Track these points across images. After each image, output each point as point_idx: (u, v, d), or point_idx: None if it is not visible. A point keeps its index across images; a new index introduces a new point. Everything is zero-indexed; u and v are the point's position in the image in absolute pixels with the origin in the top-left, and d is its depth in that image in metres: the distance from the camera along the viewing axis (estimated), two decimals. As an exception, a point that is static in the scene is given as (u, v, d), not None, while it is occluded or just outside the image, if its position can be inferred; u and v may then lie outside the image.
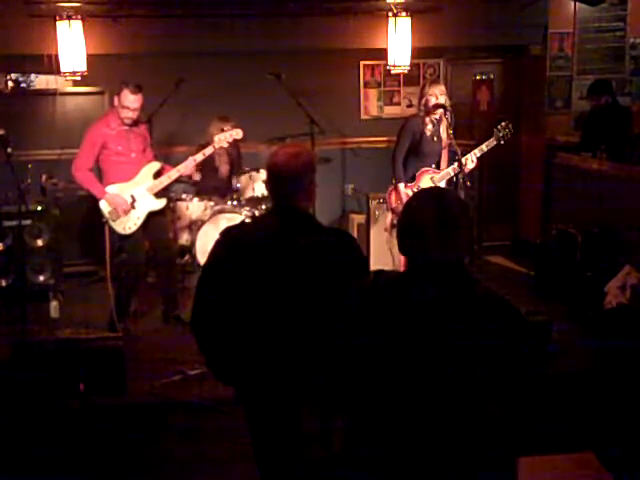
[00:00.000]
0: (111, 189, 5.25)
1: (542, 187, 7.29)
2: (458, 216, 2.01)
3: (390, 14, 7.11)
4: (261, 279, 2.48)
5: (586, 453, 3.03)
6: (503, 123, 5.37)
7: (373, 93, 7.89)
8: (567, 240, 5.97)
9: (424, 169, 5.37)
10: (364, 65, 7.82)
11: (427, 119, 5.31)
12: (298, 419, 2.55)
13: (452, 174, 5.31)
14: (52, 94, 7.14)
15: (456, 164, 5.22)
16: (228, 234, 2.62)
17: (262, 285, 2.48)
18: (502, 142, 5.36)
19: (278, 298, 2.47)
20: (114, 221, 5.27)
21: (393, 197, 5.48)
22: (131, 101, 5.16)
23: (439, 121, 5.32)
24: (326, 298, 2.42)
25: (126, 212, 5.25)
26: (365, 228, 6.80)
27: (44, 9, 6.63)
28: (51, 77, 7.03)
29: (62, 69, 6.55)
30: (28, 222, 5.95)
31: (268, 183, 2.63)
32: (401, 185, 5.36)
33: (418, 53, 7.39)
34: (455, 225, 2.00)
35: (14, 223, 5.69)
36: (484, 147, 5.32)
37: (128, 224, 5.29)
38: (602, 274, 5.43)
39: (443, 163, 5.41)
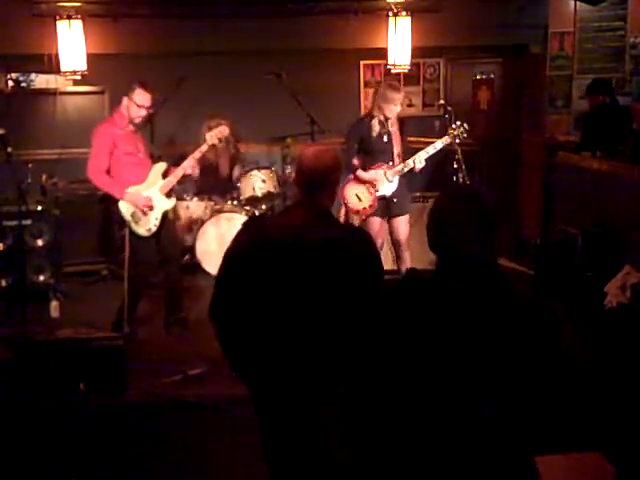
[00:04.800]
0: (128, 190, 5.23)
1: (542, 187, 7.28)
2: (494, 216, 2.02)
3: (390, 14, 7.11)
4: (281, 272, 2.51)
5: (590, 453, 3.03)
6: (458, 122, 5.50)
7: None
8: (567, 240, 5.97)
9: (376, 164, 5.52)
10: (364, 65, 7.83)
11: (374, 120, 5.47)
12: (316, 419, 2.56)
13: (405, 170, 5.48)
14: (52, 94, 7.15)
15: (410, 160, 5.44)
16: (251, 225, 2.69)
17: (282, 278, 2.51)
18: (458, 141, 5.48)
19: (297, 291, 2.50)
20: (137, 223, 5.26)
21: (346, 191, 5.58)
22: (147, 99, 5.18)
23: (386, 121, 5.47)
24: (344, 293, 2.44)
25: (149, 209, 5.24)
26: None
27: (44, 9, 6.63)
28: (51, 77, 7.03)
29: (62, 68, 6.56)
30: (28, 222, 5.95)
31: (297, 178, 2.71)
32: (359, 171, 5.50)
33: (418, 53, 7.40)
34: (492, 226, 2.01)
35: (14, 223, 5.69)
36: (436, 145, 5.44)
37: (148, 225, 5.28)
38: (602, 274, 5.42)
39: (397, 159, 5.54)
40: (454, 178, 5.42)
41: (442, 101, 5.71)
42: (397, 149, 5.55)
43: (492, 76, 8.14)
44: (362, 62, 7.80)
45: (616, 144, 6.14)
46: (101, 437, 3.96)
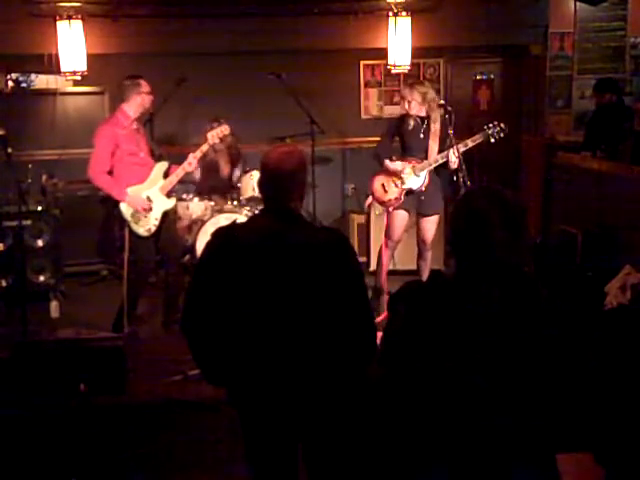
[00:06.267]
0: (128, 191, 5.25)
1: (542, 187, 7.29)
2: (521, 216, 1.99)
3: (390, 14, 7.11)
4: (253, 279, 2.48)
5: (586, 454, 3.02)
6: (496, 122, 5.46)
7: (373, 93, 7.89)
8: (567, 240, 5.97)
9: (407, 159, 5.54)
10: (364, 65, 7.82)
11: (409, 116, 5.50)
12: (298, 423, 2.55)
13: (433, 165, 5.47)
14: (52, 94, 7.13)
15: (438, 156, 5.43)
16: (219, 235, 2.62)
17: (254, 286, 2.48)
18: (492, 140, 5.43)
19: (270, 298, 2.47)
20: (137, 223, 5.27)
21: (375, 182, 5.62)
22: (147, 84, 5.27)
23: (426, 118, 5.48)
24: (325, 295, 2.43)
25: (147, 212, 5.25)
26: (365, 228, 6.81)
27: (44, 9, 6.63)
28: (51, 77, 7.02)
29: (62, 69, 6.55)
30: (28, 222, 5.95)
31: (261, 183, 2.65)
32: (386, 161, 5.52)
33: (418, 53, 7.39)
34: (520, 226, 1.98)
35: (14, 223, 5.69)
36: (469, 142, 5.40)
37: (148, 226, 5.29)
38: (602, 274, 5.42)
39: (431, 158, 5.52)
40: (454, 178, 5.41)
41: (442, 101, 5.70)
42: (433, 146, 5.51)
43: (492, 76, 8.14)
44: (362, 62, 7.79)
45: (619, 144, 6.14)
46: (101, 437, 3.96)
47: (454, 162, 5.30)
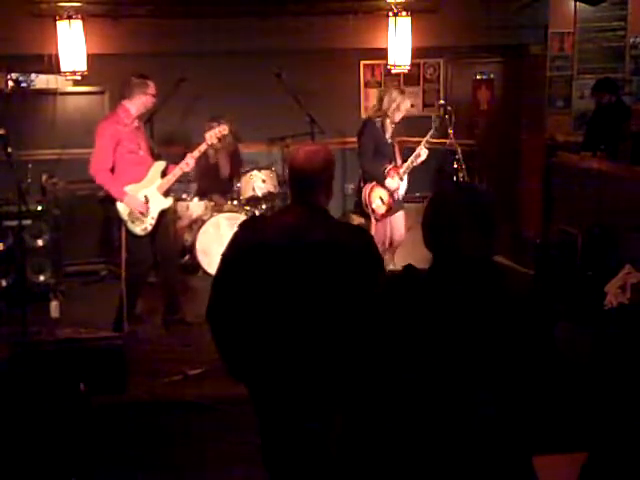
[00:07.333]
0: (126, 190, 5.24)
1: (542, 187, 7.29)
2: (491, 212, 2.00)
3: (390, 14, 7.11)
4: (279, 273, 2.50)
5: (579, 454, 3.02)
6: (434, 115, 5.67)
7: (373, 93, 7.88)
8: (567, 240, 5.97)
9: (390, 167, 5.57)
10: (364, 65, 7.83)
11: (387, 121, 5.54)
12: (317, 422, 2.55)
13: (412, 165, 5.59)
14: (52, 94, 7.14)
15: (412, 156, 5.56)
16: (247, 226, 2.65)
17: (280, 279, 2.50)
18: (436, 130, 5.66)
19: (296, 293, 2.49)
20: (133, 222, 5.27)
21: (374, 195, 5.59)
22: (155, 90, 5.29)
23: (390, 123, 5.56)
24: (349, 292, 2.43)
25: (143, 214, 5.25)
26: (366, 228, 6.81)
27: (44, 8, 6.64)
28: (51, 77, 7.02)
29: (62, 69, 6.55)
30: (28, 222, 5.95)
31: (289, 180, 2.69)
32: (388, 180, 5.52)
33: (418, 53, 7.39)
34: (491, 220, 1.98)
35: (14, 223, 5.69)
36: (429, 138, 5.55)
37: (144, 225, 5.28)
38: (602, 274, 5.42)
39: (399, 159, 5.64)
40: (454, 178, 5.43)
41: (442, 101, 5.72)
42: (397, 149, 5.65)
43: (492, 76, 8.14)
44: (362, 62, 7.80)
45: (618, 144, 6.15)
46: (101, 437, 3.96)
47: (423, 159, 5.55)
